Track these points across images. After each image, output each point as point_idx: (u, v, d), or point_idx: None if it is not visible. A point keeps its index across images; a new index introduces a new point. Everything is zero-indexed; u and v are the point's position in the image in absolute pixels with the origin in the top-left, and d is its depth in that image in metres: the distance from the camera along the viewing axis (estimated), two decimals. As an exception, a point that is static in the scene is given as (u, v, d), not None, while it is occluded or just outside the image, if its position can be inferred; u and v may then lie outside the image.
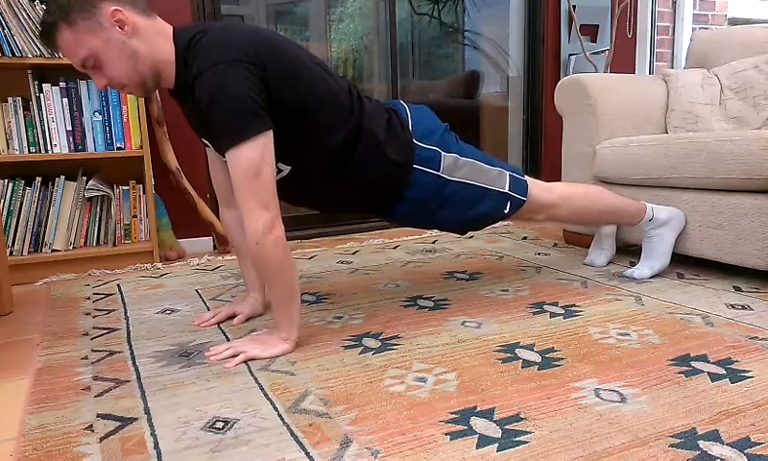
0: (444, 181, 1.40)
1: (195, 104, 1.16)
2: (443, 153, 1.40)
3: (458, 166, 1.42)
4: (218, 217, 2.23)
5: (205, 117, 1.15)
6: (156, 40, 1.20)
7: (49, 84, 2.04)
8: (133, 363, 1.21)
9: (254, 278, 1.51)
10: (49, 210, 2.09)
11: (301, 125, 1.23)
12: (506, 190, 1.48)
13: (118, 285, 1.88)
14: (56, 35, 1.14)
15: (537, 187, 1.55)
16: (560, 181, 2.28)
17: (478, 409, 0.96)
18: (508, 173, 1.50)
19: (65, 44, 1.15)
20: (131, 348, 1.30)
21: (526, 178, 1.55)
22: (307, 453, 0.84)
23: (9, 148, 2.03)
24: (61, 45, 1.16)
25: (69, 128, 2.07)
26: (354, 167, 1.29)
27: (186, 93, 1.20)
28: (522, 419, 0.92)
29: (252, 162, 1.12)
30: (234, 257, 2.26)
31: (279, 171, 1.28)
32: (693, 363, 1.12)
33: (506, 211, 1.50)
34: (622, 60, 3.26)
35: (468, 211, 1.46)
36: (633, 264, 1.80)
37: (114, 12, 1.14)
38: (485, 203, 1.46)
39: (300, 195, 1.38)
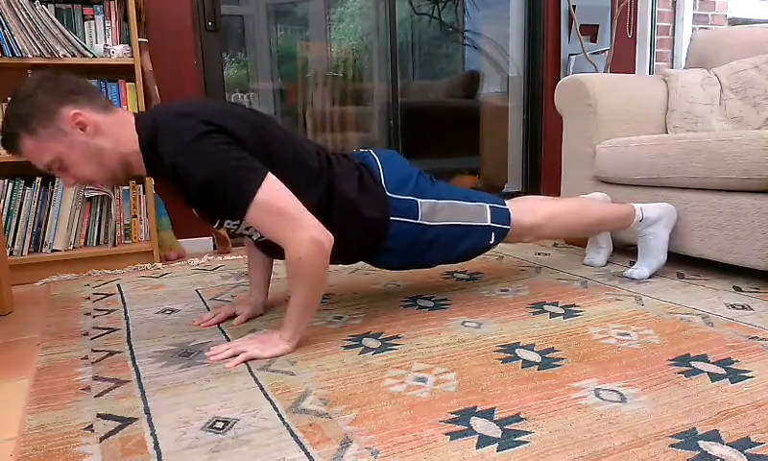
0: (425, 228, 1.40)
1: (185, 189, 1.16)
2: (419, 200, 1.40)
3: (437, 210, 1.42)
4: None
5: (203, 197, 1.15)
6: (119, 134, 1.19)
7: (49, 85, 2.03)
8: (133, 363, 1.21)
9: (260, 278, 1.51)
10: (49, 210, 2.09)
11: None
12: (488, 223, 1.49)
13: (118, 285, 1.88)
14: (18, 145, 1.14)
15: (519, 212, 1.54)
16: (559, 181, 2.28)
17: (478, 409, 0.96)
18: (488, 205, 1.50)
19: (29, 153, 1.15)
20: (131, 348, 1.30)
21: (507, 204, 1.55)
22: (307, 453, 0.84)
23: (9, 148, 2.03)
24: (25, 154, 1.16)
25: (69, 128, 2.07)
26: (331, 228, 1.25)
27: (164, 177, 1.19)
28: (522, 419, 0.92)
29: (268, 206, 1.13)
30: (234, 258, 2.26)
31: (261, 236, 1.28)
32: (693, 363, 1.12)
33: (491, 242, 1.51)
34: (622, 61, 3.26)
35: (454, 250, 1.47)
36: (632, 264, 1.80)
37: (74, 115, 1.14)
38: (469, 239, 1.47)
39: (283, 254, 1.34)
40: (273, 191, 1.14)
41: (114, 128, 1.19)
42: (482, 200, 1.51)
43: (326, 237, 1.17)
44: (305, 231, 1.14)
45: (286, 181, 1.18)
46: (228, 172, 1.11)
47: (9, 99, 1.17)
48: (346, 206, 1.27)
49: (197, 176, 1.11)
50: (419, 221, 1.39)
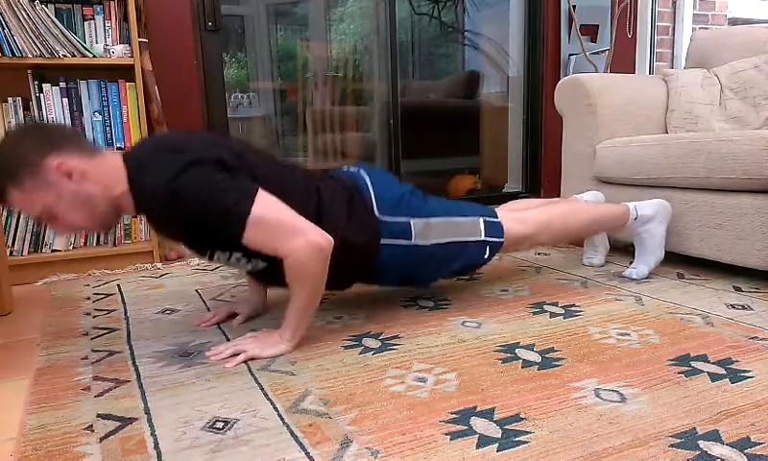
0: (420, 248, 1.40)
1: (176, 223, 1.16)
2: (412, 221, 1.39)
3: (430, 229, 1.41)
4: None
5: (196, 227, 1.15)
6: (107, 177, 1.17)
7: (49, 85, 2.04)
8: (133, 363, 1.21)
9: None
10: (49, 210, 2.09)
11: None
12: (483, 237, 1.48)
13: (118, 285, 1.88)
14: (6, 197, 1.14)
15: (511, 223, 1.54)
16: (559, 181, 2.28)
17: (478, 409, 0.96)
18: (481, 219, 1.50)
19: (18, 205, 1.15)
20: (131, 348, 1.30)
21: (499, 216, 1.54)
22: (307, 453, 0.84)
23: (9, 148, 2.03)
24: (15, 205, 1.16)
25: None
26: None
27: (154, 213, 1.19)
28: (522, 419, 0.92)
29: (265, 220, 1.12)
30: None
31: (257, 265, 1.27)
32: (693, 363, 1.12)
33: (486, 256, 1.51)
34: (622, 60, 3.25)
35: (449, 266, 1.47)
36: (632, 263, 1.80)
37: (59, 165, 1.12)
38: (464, 255, 1.47)
39: (279, 281, 1.29)
40: (266, 205, 1.13)
41: (101, 172, 1.17)
42: (475, 213, 1.51)
43: (325, 239, 1.16)
44: (303, 237, 1.14)
45: None
46: (220, 196, 1.11)
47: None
48: (334, 235, 1.23)
49: (190, 204, 1.11)
50: (412, 242, 1.39)
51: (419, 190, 1.50)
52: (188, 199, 1.11)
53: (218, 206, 1.11)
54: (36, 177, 1.12)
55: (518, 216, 1.58)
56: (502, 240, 1.51)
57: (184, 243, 1.28)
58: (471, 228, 1.48)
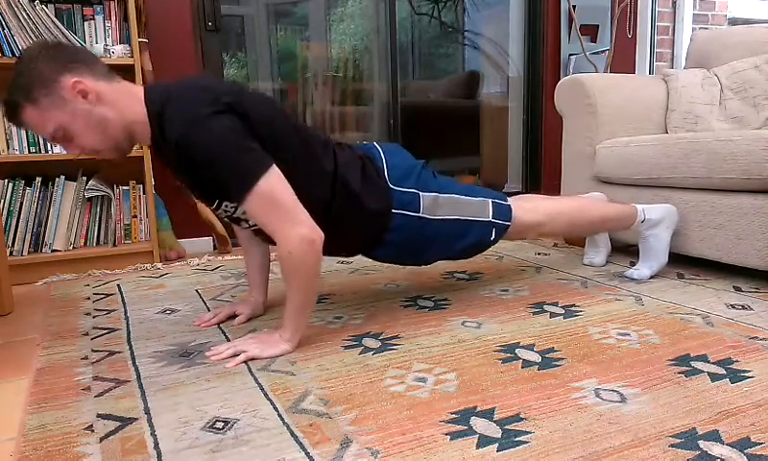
0: (426, 221, 1.40)
1: (187, 164, 1.15)
2: (421, 193, 1.40)
3: (438, 204, 1.41)
4: (218, 217, 2.23)
5: (204, 175, 1.15)
6: (123, 103, 1.18)
7: (49, 85, 2.03)
8: (133, 363, 1.21)
9: (258, 278, 1.51)
10: (49, 210, 2.09)
11: None
12: (490, 218, 1.48)
13: (118, 285, 1.88)
14: (20, 114, 1.14)
15: (521, 210, 1.54)
16: (559, 181, 2.28)
17: (478, 409, 0.96)
18: (490, 200, 1.50)
19: (32, 123, 1.15)
20: (131, 348, 1.30)
21: (509, 201, 1.54)
22: (307, 453, 0.84)
23: (9, 148, 2.03)
24: (28, 124, 1.16)
25: (69, 128, 2.07)
26: (333, 218, 1.27)
27: (170, 153, 1.18)
28: (522, 419, 0.92)
29: (265, 196, 1.13)
30: (234, 258, 2.26)
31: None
32: (693, 363, 1.12)
33: (492, 238, 1.50)
34: (622, 60, 3.26)
35: (455, 245, 1.46)
36: (632, 264, 1.80)
37: (75, 83, 1.13)
38: (470, 234, 1.46)
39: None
40: (274, 184, 1.14)
41: (118, 96, 1.18)
42: (485, 195, 1.51)
43: (317, 235, 1.17)
44: (297, 228, 1.14)
45: (294, 170, 1.18)
46: (234, 156, 1.11)
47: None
48: (348, 197, 1.26)
49: (204, 152, 1.11)
50: (420, 214, 1.39)
51: (429, 167, 1.49)
52: (204, 145, 1.11)
53: (228, 165, 1.11)
54: (52, 94, 1.12)
55: (528, 205, 1.58)
56: (509, 223, 1.50)
57: (191, 185, 1.29)
58: (480, 208, 1.47)
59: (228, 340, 1.32)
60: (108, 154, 1.22)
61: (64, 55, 1.16)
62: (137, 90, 1.21)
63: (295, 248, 1.15)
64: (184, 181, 1.30)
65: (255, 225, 1.29)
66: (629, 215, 1.72)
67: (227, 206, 1.26)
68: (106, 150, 1.21)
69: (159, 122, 1.17)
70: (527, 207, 1.57)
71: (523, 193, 3.28)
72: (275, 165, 1.15)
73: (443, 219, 1.42)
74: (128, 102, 1.19)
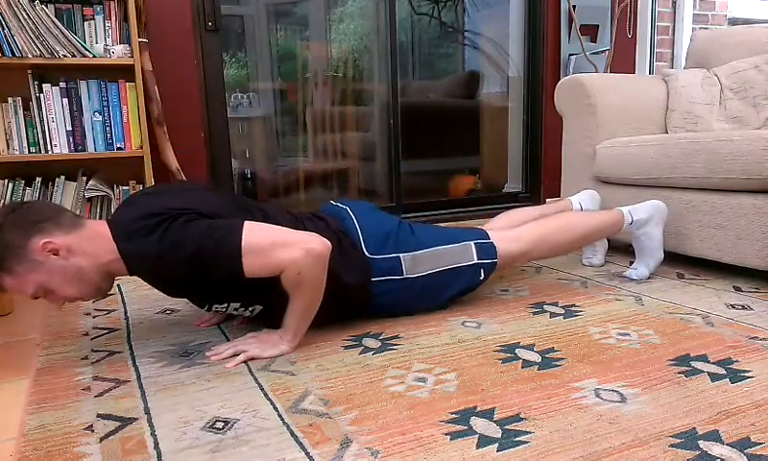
0: (412, 280, 1.40)
1: (173, 283, 1.19)
2: (401, 255, 1.39)
3: (420, 261, 1.41)
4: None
5: (191, 276, 1.15)
6: (93, 248, 1.18)
7: (49, 85, 2.04)
8: (133, 363, 1.21)
9: None
10: (49, 210, 2.08)
11: None
12: (475, 260, 1.47)
13: (118, 285, 1.87)
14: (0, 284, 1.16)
15: (504, 241, 1.52)
16: (559, 181, 2.28)
17: (478, 409, 0.96)
18: (472, 242, 1.48)
19: (13, 289, 1.16)
20: (131, 348, 1.30)
21: (491, 237, 1.52)
22: (307, 453, 0.84)
23: (9, 148, 2.03)
24: (9, 289, 1.17)
25: (69, 128, 2.07)
26: None
27: (149, 274, 1.20)
28: (522, 419, 0.92)
29: (258, 246, 1.13)
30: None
31: (255, 310, 1.31)
32: (693, 363, 1.12)
33: (481, 278, 1.49)
34: (622, 60, 3.26)
35: (444, 293, 1.46)
36: (632, 263, 1.80)
37: (45, 244, 1.13)
38: (459, 281, 1.46)
39: (277, 320, 1.31)
40: (255, 232, 1.14)
41: (87, 243, 1.18)
42: (466, 238, 1.49)
43: (321, 243, 1.17)
44: (298, 247, 1.14)
45: None
46: (208, 241, 1.11)
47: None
48: (327, 275, 1.23)
49: (181, 255, 1.11)
50: (404, 276, 1.39)
51: (405, 222, 1.49)
52: (179, 250, 1.11)
53: (208, 250, 1.11)
54: (25, 261, 1.13)
55: (511, 234, 1.56)
56: (496, 261, 1.49)
57: (184, 296, 1.31)
58: (461, 252, 1.46)
59: (228, 340, 1.32)
60: (90, 297, 1.23)
61: (29, 217, 1.16)
62: (104, 229, 1.20)
63: (302, 267, 1.15)
64: (176, 293, 1.30)
65: (253, 313, 1.31)
66: (615, 221, 1.69)
67: (216, 307, 1.29)
68: (87, 295, 1.22)
69: (130, 257, 1.17)
70: (510, 237, 1.54)
71: (523, 193, 3.29)
72: (244, 220, 1.15)
73: (428, 273, 1.41)
74: (98, 245, 1.18)
